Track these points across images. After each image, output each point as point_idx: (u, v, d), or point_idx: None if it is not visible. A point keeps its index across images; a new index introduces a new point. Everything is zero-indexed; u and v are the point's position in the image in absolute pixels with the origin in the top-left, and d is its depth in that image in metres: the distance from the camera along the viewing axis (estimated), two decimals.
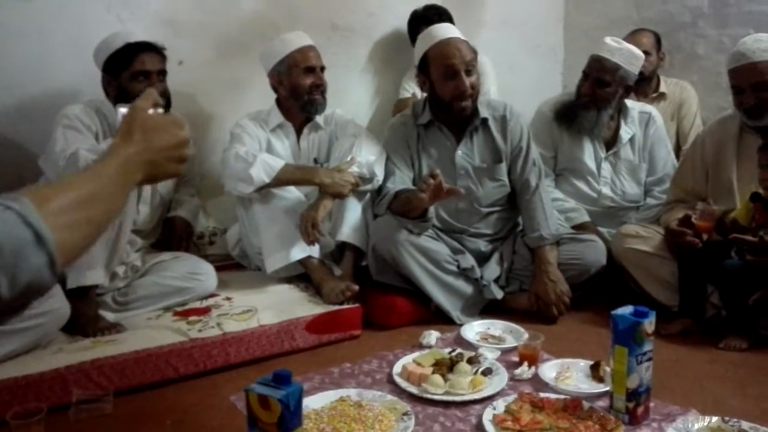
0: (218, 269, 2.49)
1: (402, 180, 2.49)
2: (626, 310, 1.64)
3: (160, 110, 1.10)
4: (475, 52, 2.45)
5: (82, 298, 2.09)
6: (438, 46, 2.42)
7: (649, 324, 1.61)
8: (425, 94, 2.56)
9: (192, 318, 2.17)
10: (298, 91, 2.55)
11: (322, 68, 2.60)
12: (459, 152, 2.52)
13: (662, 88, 3.36)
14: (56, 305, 1.95)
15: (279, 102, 2.64)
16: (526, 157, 2.55)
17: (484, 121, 2.52)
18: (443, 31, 2.48)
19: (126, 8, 2.68)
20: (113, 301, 2.23)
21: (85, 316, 2.08)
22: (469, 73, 2.40)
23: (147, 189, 2.42)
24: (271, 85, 2.61)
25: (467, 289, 2.45)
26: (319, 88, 2.57)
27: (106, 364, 1.87)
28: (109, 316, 2.16)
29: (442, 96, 2.43)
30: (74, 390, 1.76)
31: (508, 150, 2.55)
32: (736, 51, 2.29)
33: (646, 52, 3.18)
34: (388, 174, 2.53)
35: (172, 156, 1.07)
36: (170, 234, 2.54)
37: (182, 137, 1.08)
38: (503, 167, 2.55)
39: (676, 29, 3.55)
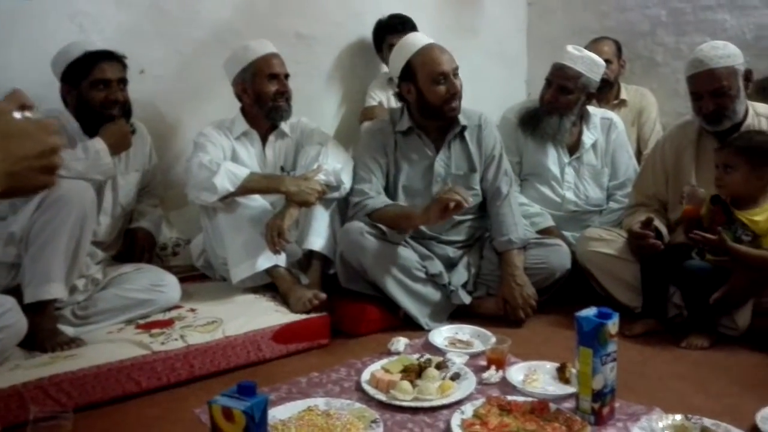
0: (182, 280, 2.45)
1: (377, 188, 2.48)
2: (590, 311, 1.66)
3: (29, 113, 0.97)
4: (452, 56, 2.48)
5: (40, 313, 2.02)
6: (422, 53, 2.43)
7: (613, 325, 1.63)
8: (400, 103, 2.57)
9: (155, 330, 2.13)
10: (263, 99, 2.54)
11: (287, 75, 2.59)
12: (438, 160, 2.52)
13: (623, 95, 3.43)
14: (12, 320, 1.88)
15: (243, 110, 2.62)
16: (499, 165, 2.58)
17: (463, 129, 2.54)
18: (421, 38, 2.50)
19: (88, 18, 2.63)
20: (73, 315, 2.18)
21: (44, 331, 2.02)
22: (455, 75, 2.43)
23: (108, 200, 2.38)
24: (236, 93, 2.59)
25: (435, 295, 2.45)
26: (284, 95, 2.56)
27: (65, 380, 1.81)
28: (69, 330, 2.11)
29: (432, 101, 2.43)
30: (31, 407, 1.68)
31: (482, 158, 2.57)
32: (694, 58, 2.34)
33: (607, 60, 3.25)
34: (362, 179, 2.50)
35: (36, 166, 0.95)
36: (132, 245, 2.49)
37: (50, 144, 0.96)
38: (477, 176, 2.57)
39: (635, 38, 3.64)
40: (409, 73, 2.46)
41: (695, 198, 2.23)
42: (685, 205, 2.27)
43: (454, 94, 2.42)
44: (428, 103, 2.44)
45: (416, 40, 2.50)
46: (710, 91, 2.28)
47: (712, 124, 2.34)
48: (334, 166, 2.49)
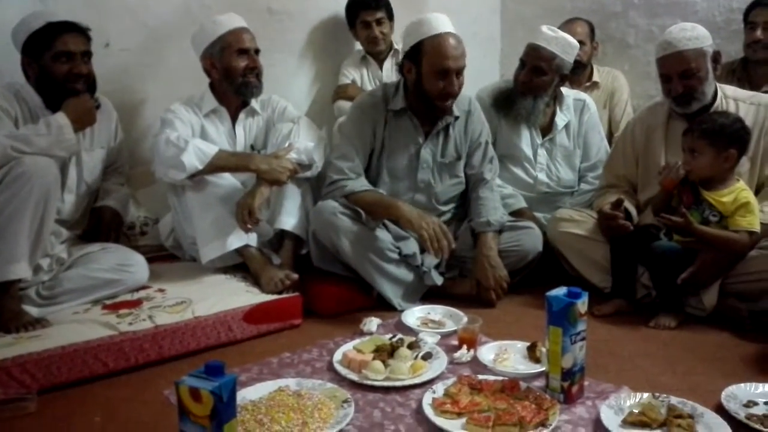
0: (151, 260, 2.40)
1: (359, 169, 2.43)
2: (560, 291, 1.67)
3: None
4: (465, 53, 2.39)
5: (4, 293, 1.98)
6: (436, 40, 2.32)
7: (582, 304, 1.64)
8: (399, 78, 2.49)
9: (122, 311, 2.09)
10: (232, 74, 2.48)
11: (257, 51, 2.53)
12: (426, 147, 2.50)
13: (595, 77, 3.44)
14: None
15: (212, 86, 2.56)
16: (485, 152, 2.58)
17: (456, 119, 2.51)
18: (441, 23, 2.36)
19: None
20: (37, 296, 2.12)
21: (7, 311, 1.97)
22: (459, 75, 2.36)
23: (72, 177, 2.32)
24: (204, 69, 2.53)
25: (408, 276, 2.45)
26: (254, 70, 2.50)
27: (29, 361, 1.78)
28: (33, 311, 2.06)
29: (428, 90, 2.37)
30: None
31: (468, 143, 2.55)
32: (663, 40, 2.35)
33: (580, 42, 3.24)
34: (343, 157, 2.44)
35: None
36: (98, 224, 2.42)
37: None
38: (461, 164, 2.56)
39: (607, 19, 3.65)
40: (416, 53, 2.36)
41: (674, 172, 2.23)
42: (663, 179, 2.27)
43: (450, 93, 2.37)
44: (424, 91, 2.39)
45: (438, 23, 2.35)
46: (679, 72, 2.29)
47: (682, 106, 2.36)
48: (306, 144, 2.46)
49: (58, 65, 2.19)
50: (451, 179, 2.56)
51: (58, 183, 2.08)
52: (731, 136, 2.16)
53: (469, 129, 2.55)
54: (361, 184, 2.41)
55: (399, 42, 3.17)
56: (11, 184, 1.95)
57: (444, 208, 2.59)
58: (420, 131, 2.50)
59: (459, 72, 2.36)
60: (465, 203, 2.63)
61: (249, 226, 2.32)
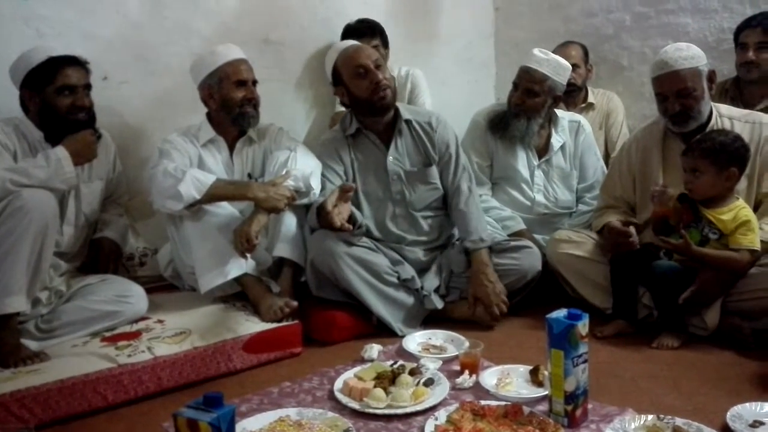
0: (150, 291, 2.40)
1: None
2: (560, 313, 1.66)
3: None
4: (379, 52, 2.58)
5: (2, 327, 1.97)
6: (342, 54, 2.52)
7: (583, 326, 1.63)
8: (349, 108, 2.60)
9: (121, 343, 2.07)
10: (230, 105, 2.50)
11: (254, 82, 2.55)
12: (390, 158, 2.55)
13: (590, 99, 3.46)
14: None
15: (210, 116, 2.58)
16: (456, 162, 2.60)
17: (408, 123, 2.56)
18: (344, 43, 2.60)
19: (46, 23, 2.57)
20: (36, 329, 2.11)
21: (6, 345, 1.96)
22: (378, 68, 2.46)
23: (71, 209, 2.32)
24: (202, 99, 2.55)
25: (408, 300, 2.44)
26: (251, 101, 2.52)
27: (27, 396, 1.77)
28: (32, 345, 2.04)
29: (360, 96, 2.47)
30: None
31: (437, 157, 2.59)
32: (658, 60, 2.37)
33: (575, 65, 3.28)
34: (321, 189, 2.50)
35: None
36: (97, 256, 2.43)
37: None
38: (434, 170, 2.59)
39: (601, 41, 3.68)
40: (337, 76, 2.52)
41: (664, 198, 2.26)
42: (654, 206, 2.29)
43: (378, 83, 2.44)
44: (358, 99, 2.49)
45: (338, 45, 2.61)
46: (675, 92, 2.31)
47: (678, 125, 2.37)
48: (303, 171, 2.47)
49: (61, 98, 2.21)
50: (425, 186, 2.58)
51: (57, 216, 2.08)
52: (732, 154, 2.17)
53: (437, 141, 2.59)
54: (321, 199, 2.41)
55: (394, 69, 3.22)
56: (9, 217, 1.95)
57: (424, 214, 2.60)
58: (380, 145, 2.57)
59: (376, 65, 2.47)
60: (447, 215, 2.65)
61: (247, 254, 2.31)
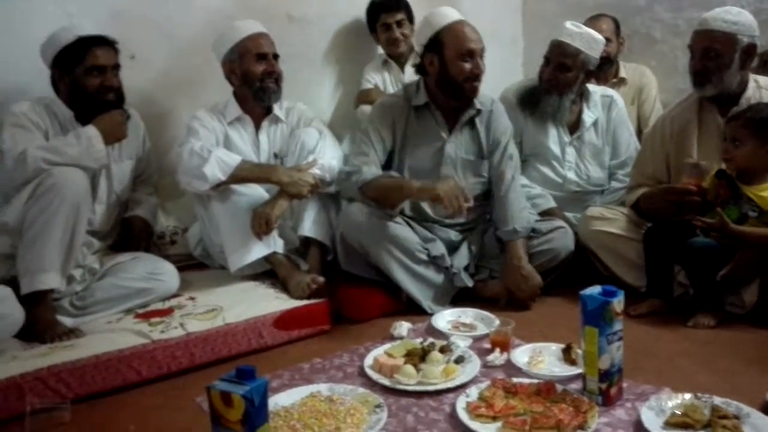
0: (181, 269, 2.42)
1: (374, 162, 2.41)
2: (595, 290, 1.63)
3: None
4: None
5: (38, 304, 2.00)
6: (454, 27, 2.39)
7: (618, 303, 1.60)
8: (419, 77, 2.50)
9: (154, 319, 2.10)
10: (250, 79, 2.49)
11: (275, 56, 2.53)
12: (450, 142, 2.48)
13: (622, 74, 3.38)
14: (7, 310, 1.86)
15: (236, 94, 2.58)
16: (505, 149, 2.53)
17: (479, 112, 2.50)
18: (453, 12, 2.44)
19: (74, 3, 2.58)
20: (71, 306, 2.15)
21: (42, 321, 1.99)
22: (482, 57, 2.40)
23: (102, 188, 2.34)
24: (225, 76, 2.55)
25: (437, 278, 2.42)
26: (272, 75, 2.50)
27: (63, 370, 1.79)
28: (67, 321, 2.08)
29: (454, 76, 2.38)
30: (29, 399, 1.67)
31: (490, 142, 2.52)
32: (704, 16, 2.31)
33: (607, 38, 3.19)
34: (360, 153, 2.43)
35: None
36: (128, 234, 2.45)
37: None
38: (486, 164, 2.53)
39: (632, 14, 3.57)
40: (436, 44, 2.39)
41: (697, 171, 2.19)
42: (683, 179, 2.22)
43: (478, 75, 2.38)
44: (451, 78, 2.39)
45: (449, 12, 2.44)
46: (701, 49, 2.26)
47: (696, 86, 2.32)
48: (330, 162, 2.46)
49: (90, 78, 2.22)
50: (475, 177, 2.53)
51: (89, 194, 2.11)
52: None
53: (492, 127, 2.53)
54: (372, 172, 2.38)
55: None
56: (42, 195, 1.97)
57: (467, 204, 2.54)
58: (444, 126, 2.49)
59: (482, 54, 2.40)
60: (488, 200, 2.59)
61: (263, 235, 2.30)
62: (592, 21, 3.28)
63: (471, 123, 2.51)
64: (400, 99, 2.51)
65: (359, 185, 2.35)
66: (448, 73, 2.38)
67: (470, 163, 2.51)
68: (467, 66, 2.36)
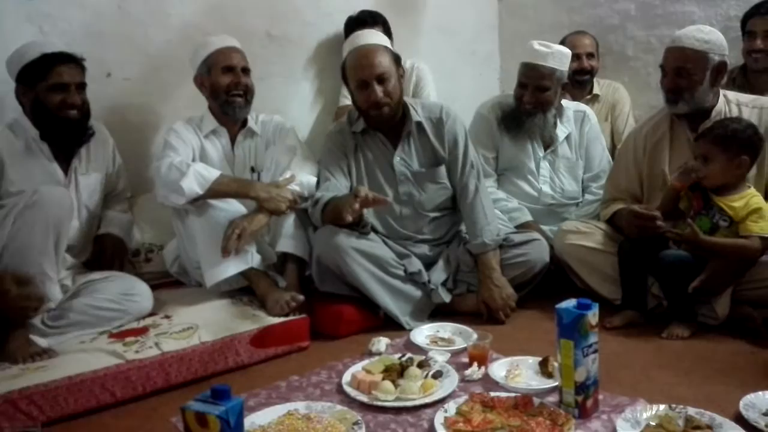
0: (156, 287, 2.39)
1: (336, 188, 2.43)
2: (570, 303, 1.64)
3: None
4: (394, 58, 2.41)
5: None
6: (352, 56, 2.40)
7: (593, 315, 1.62)
8: None
9: (128, 339, 2.06)
10: (216, 91, 2.49)
11: (245, 69, 2.54)
12: (397, 158, 2.49)
13: (596, 90, 3.44)
14: None
15: (210, 108, 2.58)
16: (464, 158, 2.52)
17: (419, 124, 2.50)
18: (359, 38, 2.44)
19: (48, 20, 2.56)
20: (43, 325, 2.10)
21: (16, 340, 1.96)
22: (381, 81, 2.35)
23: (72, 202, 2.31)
24: (198, 88, 2.55)
25: (415, 293, 2.43)
26: (238, 87, 2.50)
27: (36, 393, 1.76)
28: (41, 341, 2.04)
29: (360, 106, 2.43)
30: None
31: (446, 152, 2.53)
32: (677, 33, 2.35)
33: (590, 54, 3.29)
34: (321, 182, 2.48)
35: None
36: (102, 253, 2.42)
37: None
38: (443, 170, 2.53)
39: (606, 32, 3.65)
40: (344, 75, 2.47)
41: (685, 176, 2.21)
42: (672, 180, 2.25)
43: (376, 102, 2.36)
44: (359, 107, 2.44)
45: (355, 39, 2.45)
46: (673, 68, 2.30)
47: (668, 103, 2.36)
48: (308, 178, 2.48)
49: (52, 95, 2.20)
50: (434, 185, 2.53)
51: (72, 211, 2.09)
52: (744, 142, 2.14)
53: (445, 136, 2.52)
54: (329, 195, 2.37)
55: None
56: (23, 212, 1.96)
57: (433, 215, 2.56)
58: (388, 144, 2.51)
59: (380, 79, 2.35)
60: (457, 209, 2.59)
61: (230, 248, 2.27)
62: (575, 36, 3.36)
63: (419, 133, 2.51)
64: (344, 126, 2.54)
65: (321, 209, 2.36)
66: (356, 103, 2.45)
67: (425, 174, 2.52)
68: (364, 95, 2.37)
